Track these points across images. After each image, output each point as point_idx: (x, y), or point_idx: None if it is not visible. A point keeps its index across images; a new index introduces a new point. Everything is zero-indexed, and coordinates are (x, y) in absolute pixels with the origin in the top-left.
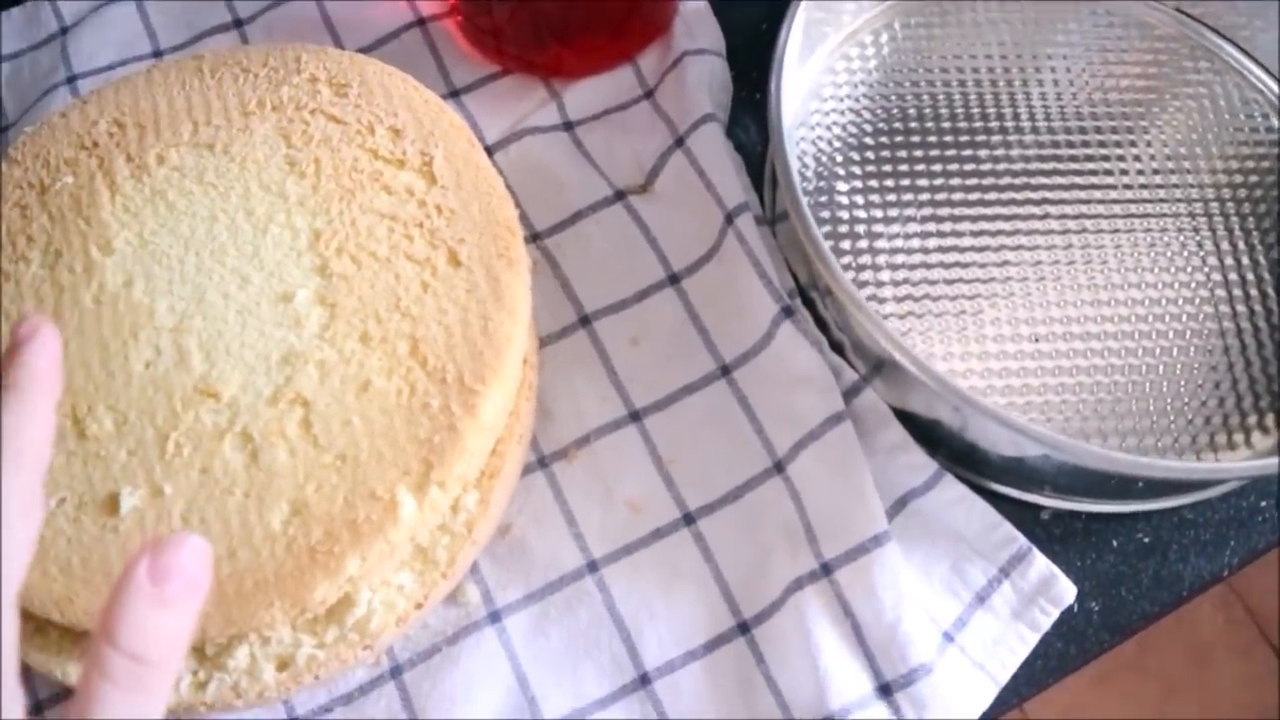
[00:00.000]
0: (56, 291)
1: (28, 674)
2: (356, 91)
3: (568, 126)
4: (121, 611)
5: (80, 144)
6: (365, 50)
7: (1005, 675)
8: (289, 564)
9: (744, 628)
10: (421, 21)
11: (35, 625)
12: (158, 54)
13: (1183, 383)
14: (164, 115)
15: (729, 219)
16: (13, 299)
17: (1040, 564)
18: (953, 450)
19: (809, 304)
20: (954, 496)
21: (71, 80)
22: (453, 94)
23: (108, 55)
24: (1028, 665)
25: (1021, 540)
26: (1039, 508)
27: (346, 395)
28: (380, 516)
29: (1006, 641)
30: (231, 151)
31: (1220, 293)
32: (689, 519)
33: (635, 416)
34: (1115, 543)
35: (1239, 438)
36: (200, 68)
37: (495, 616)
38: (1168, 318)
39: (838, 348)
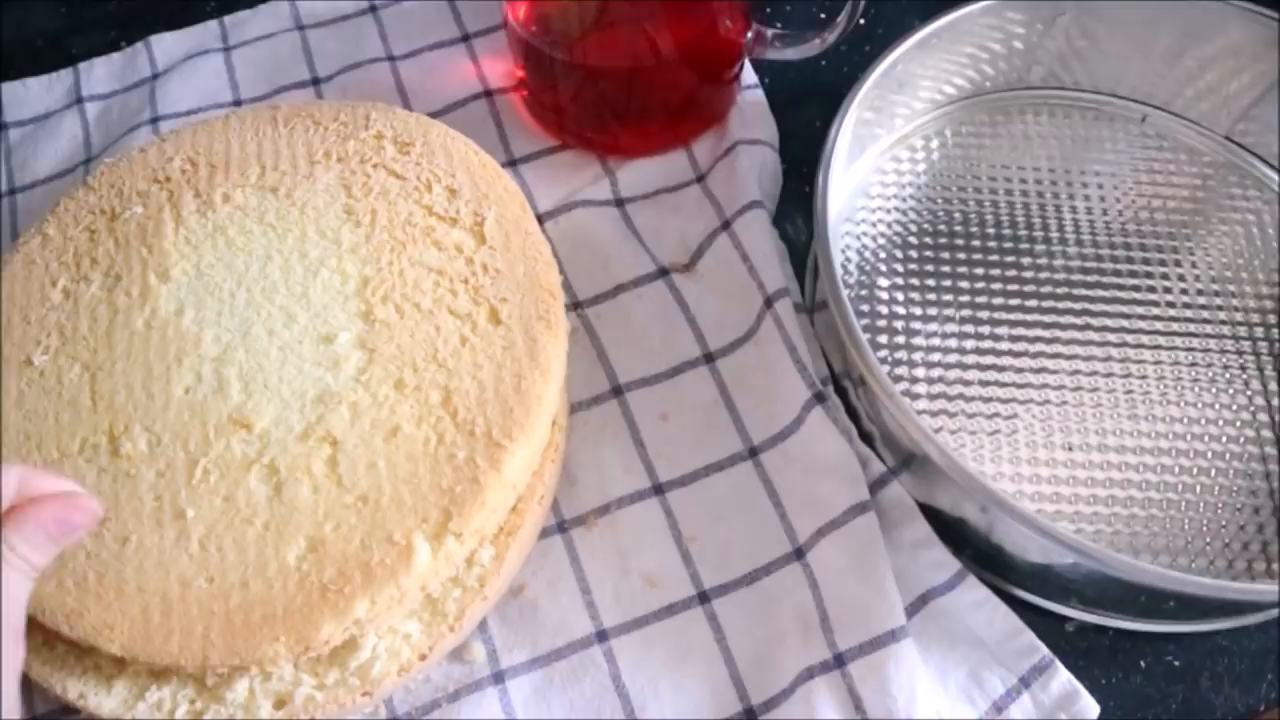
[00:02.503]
0: (111, 312)
1: (28, 686)
2: (419, 150)
3: (619, 203)
4: (38, 513)
5: (154, 177)
6: (433, 115)
7: None
8: (299, 599)
9: (750, 714)
10: (489, 93)
11: (43, 637)
12: (237, 103)
13: (1219, 506)
14: (235, 157)
15: (768, 303)
16: (70, 316)
17: (1062, 678)
18: (978, 551)
19: (842, 394)
20: (976, 599)
21: (155, 121)
22: (510, 163)
23: (190, 101)
24: None
25: (1044, 651)
26: (1064, 619)
27: (375, 439)
28: (394, 561)
29: None
30: (294, 196)
31: (1262, 417)
32: (704, 598)
33: (659, 490)
34: (1143, 663)
35: (1277, 566)
36: (274, 117)
37: (499, 677)
38: (1206, 438)
39: (867, 439)
